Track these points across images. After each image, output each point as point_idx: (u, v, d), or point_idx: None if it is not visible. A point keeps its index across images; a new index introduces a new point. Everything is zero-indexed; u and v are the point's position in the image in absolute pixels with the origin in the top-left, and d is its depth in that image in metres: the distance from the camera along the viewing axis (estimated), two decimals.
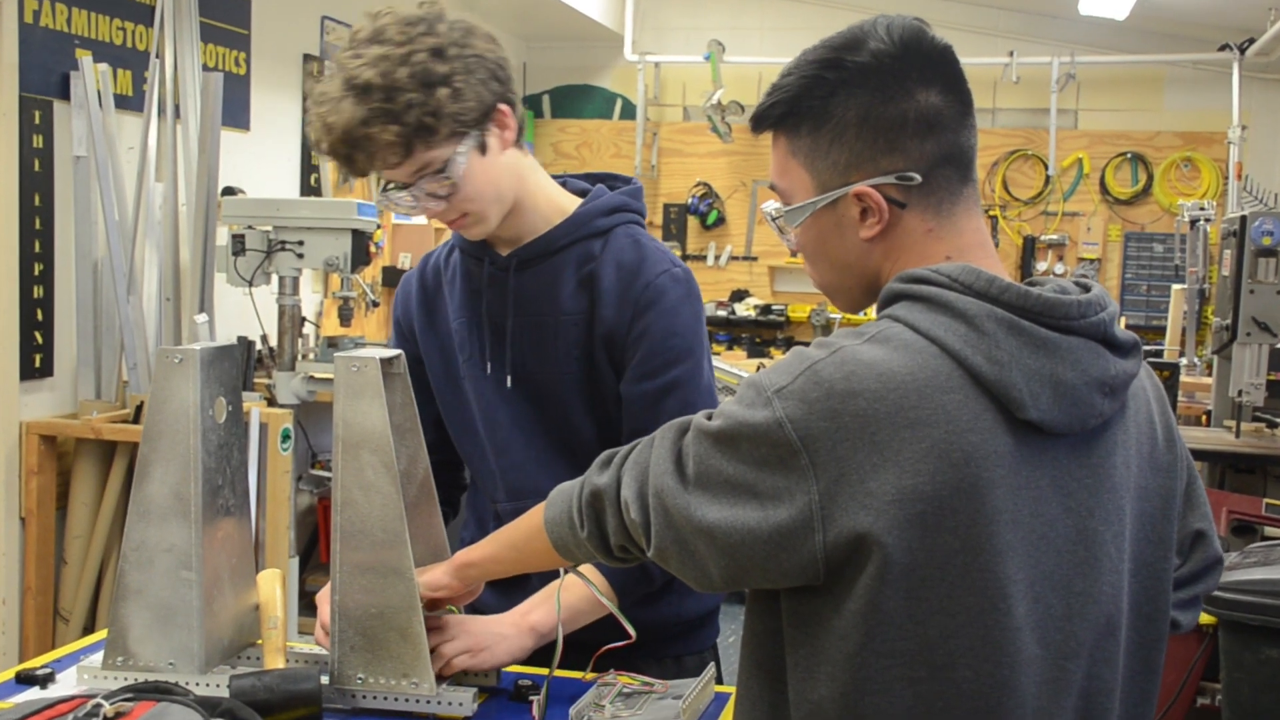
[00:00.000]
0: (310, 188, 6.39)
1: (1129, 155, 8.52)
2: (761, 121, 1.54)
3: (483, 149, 2.03)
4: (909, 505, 1.32)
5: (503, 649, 2.00)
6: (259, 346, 5.21)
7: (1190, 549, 1.65)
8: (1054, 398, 1.37)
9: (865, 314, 1.66)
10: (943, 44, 1.48)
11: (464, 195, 2.03)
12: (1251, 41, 7.73)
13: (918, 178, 1.46)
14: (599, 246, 2.15)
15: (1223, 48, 7.92)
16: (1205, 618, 3.66)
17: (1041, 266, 8.50)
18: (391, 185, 2.03)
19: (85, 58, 4.61)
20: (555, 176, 2.24)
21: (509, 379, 2.17)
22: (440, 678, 1.91)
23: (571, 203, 2.19)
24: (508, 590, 2.17)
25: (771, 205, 1.56)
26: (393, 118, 1.93)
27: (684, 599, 2.25)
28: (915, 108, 1.45)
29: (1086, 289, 1.46)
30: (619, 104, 9.29)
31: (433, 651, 1.91)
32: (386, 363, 1.90)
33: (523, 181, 2.13)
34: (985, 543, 1.34)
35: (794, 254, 1.61)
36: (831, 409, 1.34)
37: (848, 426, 1.33)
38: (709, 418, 1.44)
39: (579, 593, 2.02)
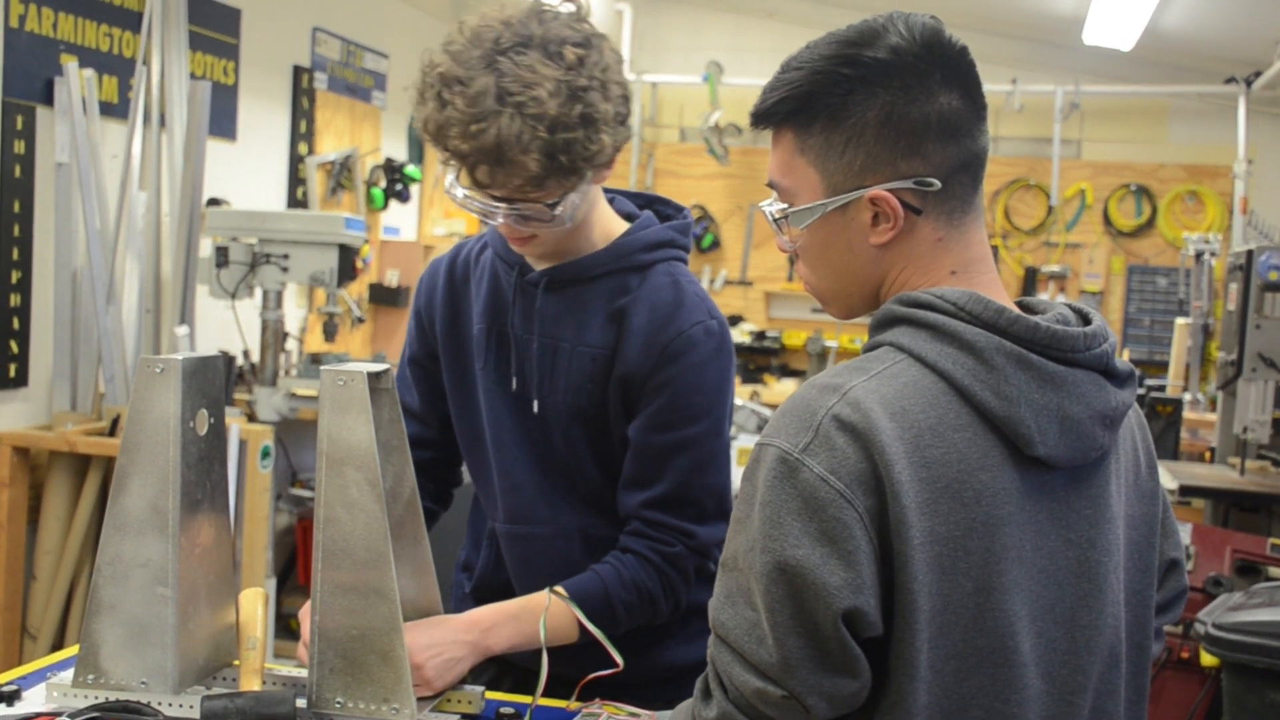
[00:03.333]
0: (297, 200, 6.34)
1: (1133, 187, 8.52)
2: (768, 117, 1.47)
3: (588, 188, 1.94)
4: (929, 548, 1.29)
5: (452, 675, 1.92)
6: (240, 361, 5.16)
7: (1163, 577, 1.63)
8: (1060, 433, 1.35)
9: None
10: (960, 44, 1.44)
11: (551, 227, 1.94)
12: (1258, 75, 7.76)
13: (937, 184, 1.41)
14: (636, 282, 2.04)
15: (1229, 80, 7.93)
16: (1208, 659, 3.59)
17: (1043, 298, 8.43)
18: (474, 187, 1.90)
19: (71, 63, 4.57)
20: (605, 191, 2.12)
21: (536, 404, 2.07)
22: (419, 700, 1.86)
23: (619, 228, 2.09)
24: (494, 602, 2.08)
25: (773, 205, 1.49)
26: (549, 151, 1.82)
27: (679, 645, 2.16)
28: (938, 110, 1.41)
29: (1087, 319, 1.45)
30: None
31: None
32: (374, 378, 1.86)
33: (589, 208, 2.02)
34: (995, 581, 1.32)
35: (790, 256, 1.54)
36: (862, 451, 1.29)
37: (875, 468, 1.29)
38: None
39: (560, 614, 1.97)
